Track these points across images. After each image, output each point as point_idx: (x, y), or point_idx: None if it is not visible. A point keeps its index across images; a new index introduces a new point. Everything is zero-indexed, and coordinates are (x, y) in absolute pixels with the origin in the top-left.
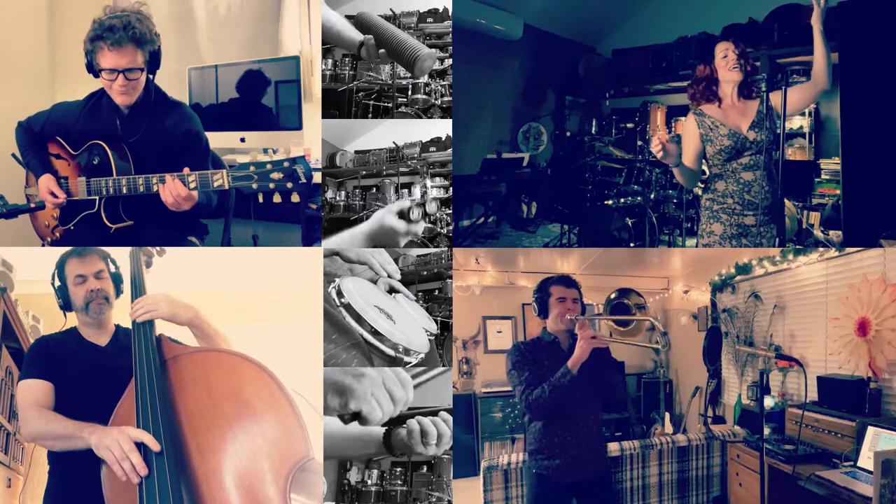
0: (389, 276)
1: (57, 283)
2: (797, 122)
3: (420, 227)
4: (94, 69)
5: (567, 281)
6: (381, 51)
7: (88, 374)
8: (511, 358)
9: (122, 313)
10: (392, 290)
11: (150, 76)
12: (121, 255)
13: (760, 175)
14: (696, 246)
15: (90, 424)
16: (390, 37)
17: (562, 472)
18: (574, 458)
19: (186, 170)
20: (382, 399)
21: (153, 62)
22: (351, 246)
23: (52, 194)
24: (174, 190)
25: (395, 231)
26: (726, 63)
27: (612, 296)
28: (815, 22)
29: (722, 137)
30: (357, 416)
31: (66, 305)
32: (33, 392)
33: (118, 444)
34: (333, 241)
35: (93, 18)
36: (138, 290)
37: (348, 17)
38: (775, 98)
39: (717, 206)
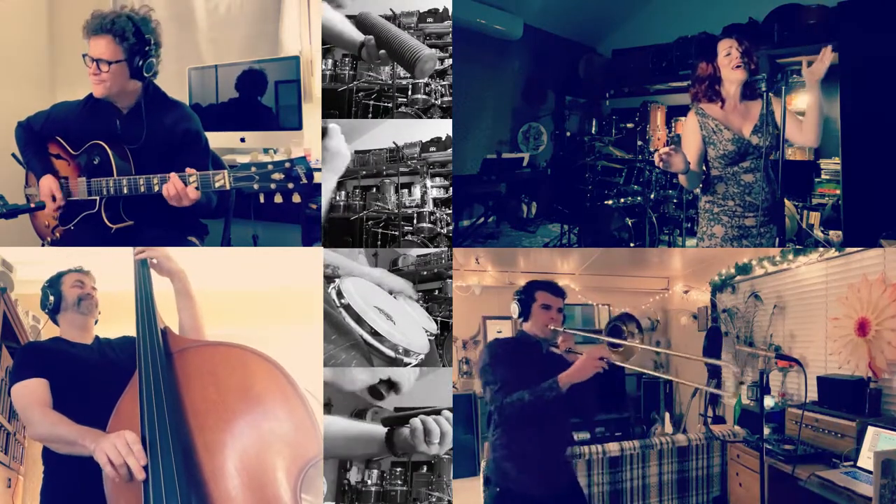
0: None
1: (49, 288)
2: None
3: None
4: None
5: (555, 289)
6: (382, 52)
7: (81, 368)
8: (488, 354)
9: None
10: (392, 291)
11: (145, 80)
12: (126, 254)
13: (761, 177)
14: (696, 247)
15: (91, 432)
16: (391, 37)
17: (527, 486)
18: (541, 471)
19: (190, 170)
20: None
21: (133, 60)
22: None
23: (53, 197)
24: (178, 185)
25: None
26: (729, 61)
27: (615, 314)
28: (814, 83)
29: (726, 142)
30: (390, 384)
31: (56, 307)
32: (31, 391)
33: (115, 449)
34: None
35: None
36: (144, 285)
37: (349, 18)
38: (775, 105)
39: (717, 209)
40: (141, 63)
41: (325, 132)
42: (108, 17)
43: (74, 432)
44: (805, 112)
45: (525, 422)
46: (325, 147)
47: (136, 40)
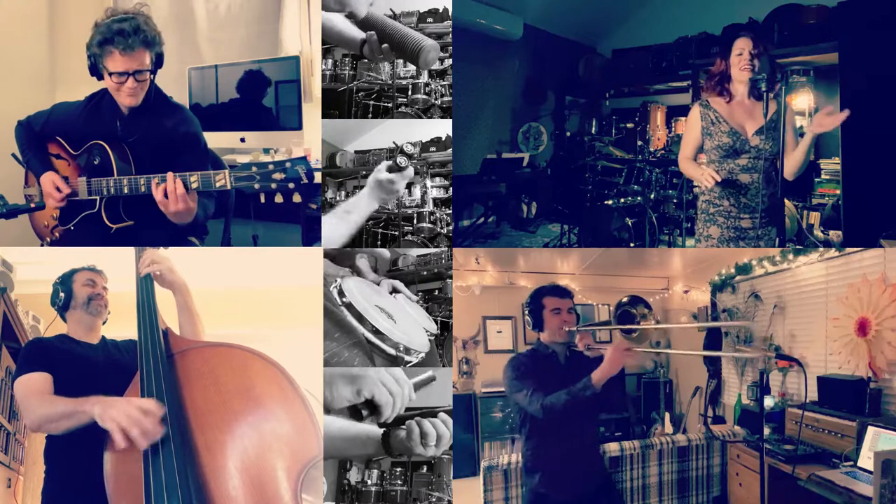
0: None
1: (61, 285)
2: (797, 123)
3: (411, 171)
4: (98, 72)
5: (560, 291)
6: (384, 46)
7: (85, 366)
8: (512, 368)
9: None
10: (394, 291)
11: (152, 77)
12: (126, 254)
13: (758, 178)
14: (695, 247)
15: (91, 398)
16: (392, 32)
17: (563, 488)
18: (574, 471)
19: (195, 176)
20: (389, 383)
21: (158, 63)
22: (356, 210)
23: (57, 189)
24: (169, 187)
25: (391, 181)
26: (739, 62)
27: (624, 299)
28: (817, 132)
29: (722, 134)
30: (371, 407)
31: (66, 304)
32: (32, 383)
33: (126, 414)
34: (340, 212)
35: (95, 22)
36: (146, 286)
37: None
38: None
39: (713, 209)
40: (159, 63)
41: (403, 170)
42: (134, 30)
43: (72, 402)
44: (798, 146)
45: (562, 423)
46: (391, 180)
47: (159, 42)
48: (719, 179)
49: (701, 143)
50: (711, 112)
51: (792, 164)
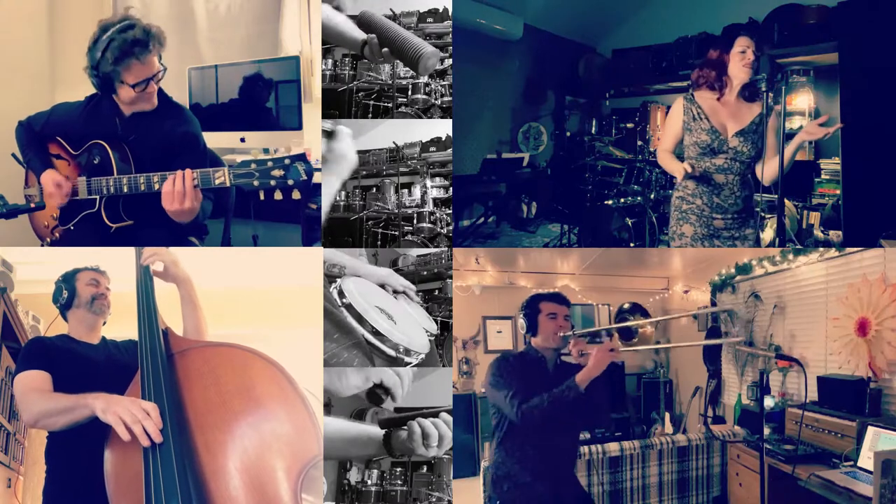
0: (406, 291)
1: (65, 283)
2: (797, 123)
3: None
4: (111, 88)
5: (558, 298)
6: (385, 49)
7: (85, 366)
8: (497, 367)
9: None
10: (396, 291)
11: None
12: (126, 254)
13: (733, 179)
14: (665, 246)
15: (91, 394)
16: (393, 35)
17: (535, 500)
18: (546, 488)
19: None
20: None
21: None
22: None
23: (58, 186)
24: (177, 184)
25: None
26: (742, 59)
27: (626, 305)
28: (806, 139)
29: (701, 131)
30: (383, 390)
31: (68, 302)
32: (31, 380)
33: (129, 412)
34: None
35: (93, 32)
36: (145, 286)
37: (350, 17)
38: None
39: (686, 206)
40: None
41: (332, 134)
42: (147, 35)
43: (73, 397)
44: (784, 150)
45: (541, 430)
46: (330, 149)
47: (164, 42)
48: (689, 171)
49: (681, 136)
50: (694, 107)
51: (775, 167)
